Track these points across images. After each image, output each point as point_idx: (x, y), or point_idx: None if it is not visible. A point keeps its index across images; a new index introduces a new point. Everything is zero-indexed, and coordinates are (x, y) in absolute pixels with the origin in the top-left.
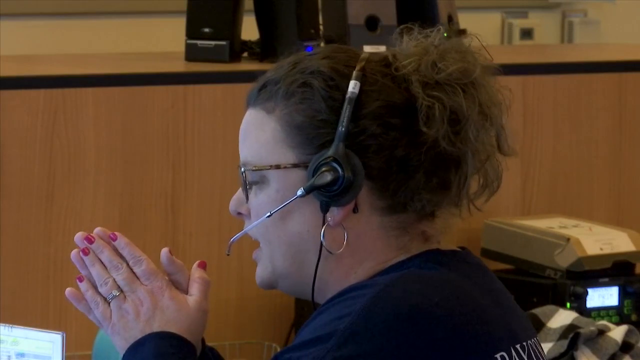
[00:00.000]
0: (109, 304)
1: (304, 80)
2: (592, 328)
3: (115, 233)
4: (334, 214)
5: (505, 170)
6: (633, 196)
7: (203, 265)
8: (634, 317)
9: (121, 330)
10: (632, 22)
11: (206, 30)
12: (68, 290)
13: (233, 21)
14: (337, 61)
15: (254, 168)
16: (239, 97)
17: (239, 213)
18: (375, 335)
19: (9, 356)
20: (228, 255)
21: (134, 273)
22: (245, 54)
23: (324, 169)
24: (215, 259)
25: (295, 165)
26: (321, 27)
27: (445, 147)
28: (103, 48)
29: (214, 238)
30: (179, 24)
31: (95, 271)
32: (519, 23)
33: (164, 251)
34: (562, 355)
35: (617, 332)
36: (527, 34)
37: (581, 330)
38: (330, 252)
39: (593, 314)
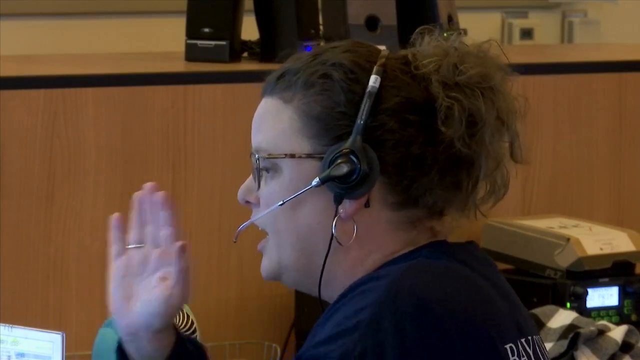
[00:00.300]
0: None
1: (325, 72)
2: (592, 328)
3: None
4: (346, 206)
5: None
6: (633, 196)
7: (184, 250)
8: (634, 317)
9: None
10: (632, 22)
11: (206, 30)
12: (116, 214)
13: (233, 21)
14: (358, 55)
15: (268, 155)
16: (239, 97)
17: (247, 202)
18: (399, 324)
19: (9, 356)
20: (235, 242)
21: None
22: (245, 54)
23: (340, 160)
24: (216, 259)
25: (309, 156)
26: (321, 27)
27: (460, 148)
28: (103, 48)
29: (214, 238)
30: (179, 24)
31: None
32: (519, 23)
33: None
34: (562, 355)
35: (617, 332)
36: (527, 34)
37: (581, 330)
38: (340, 244)
39: (593, 314)
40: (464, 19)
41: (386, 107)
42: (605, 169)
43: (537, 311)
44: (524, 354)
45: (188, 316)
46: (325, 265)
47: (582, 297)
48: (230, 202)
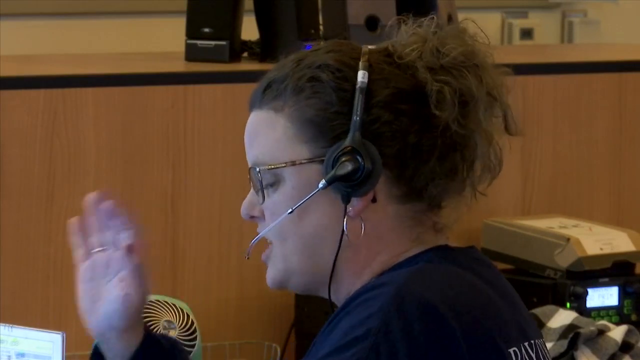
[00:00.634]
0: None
1: (312, 75)
2: (592, 328)
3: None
4: (354, 204)
5: (506, 170)
6: (633, 196)
7: (131, 250)
8: (634, 317)
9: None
10: (632, 22)
11: (206, 30)
12: (75, 218)
13: (233, 21)
14: (342, 54)
15: (268, 167)
16: (239, 97)
17: (252, 217)
18: (408, 329)
19: (9, 356)
20: (248, 258)
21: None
22: (245, 54)
23: (343, 159)
24: (216, 259)
25: (310, 160)
26: (321, 27)
27: (456, 130)
28: (103, 48)
29: (214, 238)
30: (179, 24)
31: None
32: (519, 23)
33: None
34: (562, 355)
35: (617, 332)
36: (527, 34)
37: (581, 330)
38: (349, 243)
39: (593, 314)
40: (464, 19)
41: (378, 100)
42: (605, 169)
43: (537, 311)
44: (527, 358)
45: (188, 316)
46: (335, 266)
47: (582, 297)
48: (230, 202)
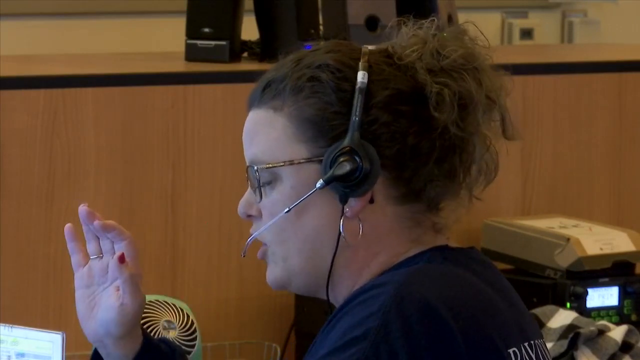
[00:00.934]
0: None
1: (312, 75)
2: (592, 328)
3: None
4: (352, 205)
5: (505, 171)
6: (633, 196)
7: (122, 260)
8: (634, 317)
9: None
10: (632, 22)
11: (206, 30)
12: (68, 225)
13: (233, 21)
14: (341, 54)
15: (267, 166)
16: (239, 97)
17: (249, 215)
18: (407, 328)
19: (9, 356)
20: (244, 256)
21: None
22: (245, 54)
23: (342, 159)
24: (216, 259)
25: (308, 160)
26: (321, 27)
27: (455, 133)
28: (103, 48)
29: (214, 238)
30: (179, 24)
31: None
32: (519, 23)
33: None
34: (562, 355)
35: (617, 332)
36: (527, 34)
37: (581, 330)
38: (347, 244)
39: (593, 314)
40: (464, 19)
41: (377, 101)
42: (605, 169)
43: (537, 311)
44: (527, 358)
45: (188, 316)
46: (333, 267)
47: (582, 297)
48: (230, 202)
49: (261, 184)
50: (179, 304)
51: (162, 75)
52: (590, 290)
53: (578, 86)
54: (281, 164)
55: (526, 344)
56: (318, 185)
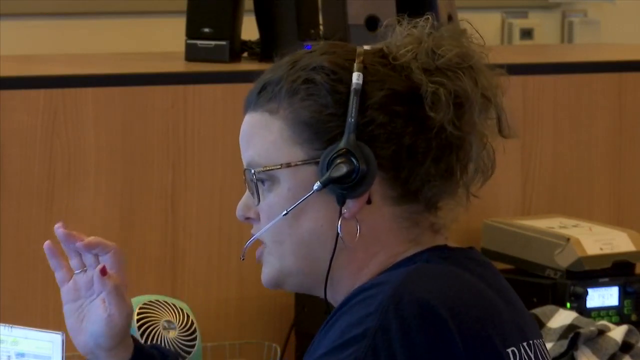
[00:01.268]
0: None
1: (307, 77)
2: (592, 328)
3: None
4: (349, 206)
5: (505, 171)
6: (633, 196)
7: (104, 273)
8: (634, 317)
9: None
10: (632, 22)
11: (206, 30)
12: (47, 242)
13: (233, 21)
14: (336, 55)
15: (264, 169)
16: (239, 97)
17: (247, 218)
18: (406, 328)
19: (9, 356)
20: (243, 260)
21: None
22: (245, 54)
23: (338, 161)
24: (216, 259)
25: (305, 162)
26: (321, 27)
27: (451, 132)
28: (103, 48)
29: (214, 238)
30: (179, 24)
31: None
32: (519, 23)
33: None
34: (562, 355)
35: (617, 332)
36: (527, 34)
37: (581, 330)
38: (345, 245)
39: (593, 314)
40: (464, 19)
41: (373, 102)
42: (605, 169)
43: (537, 311)
44: (526, 358)
45: (188, 316)
46: (331, 268)
47: (582, 297)
48: (230, 202)
49: (258, 187)
50: (179, 304)
51: (162, 75)
52: (590, 290)
53: (578, 86)
54: (278, 166)
55: (525, 344)
56: (315, 187)
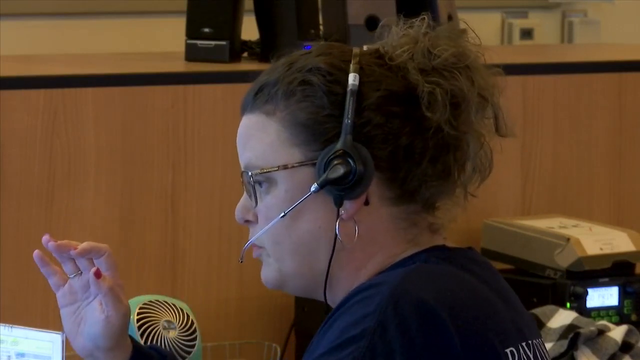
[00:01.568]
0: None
1: (303, 78)
2: (592, 328)
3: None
4: (347, 207)
5: (505, 171)
6: (633, 196)
7: (98, 275)
8: (634, 317)
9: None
10: (632, 22)
11: (206, 30)
12: (36, 252)
13: (233, 21)
14: (332, 57)
15: (261, 171)
16: (239, 97)
17: (247, 220)
18: (404, 328)
19: (9, 356)
20: (241, 262)
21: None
22: (245, 54)
23: (335, 162)
24: (216, 259)
25: (302, 163)
26: (321, 27)
27: (448, 132)
28: (103, 48)
29: (214, 238)
30: (179, 24)
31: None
32: (519, 23)
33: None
34: (562, 355)
35: (617, 332)
36: (527, 34)
37: (581, 330)
38: (343, 246)
39: (593, 314)
40: (464, 19)
41: (369, 103)
42: (605, 169)
43: (537, 311)
44: (525, 358)
45: (188, 316)
46: (330, 269)
47: (582, 297)
48: (230, 202)
49: (256, 189)
50: (179, 304)
51: (162, 75)
52: (590, 290)
53: (578, 86)
54: (275, 168)
55: (524, 344)
56: (312, 189)
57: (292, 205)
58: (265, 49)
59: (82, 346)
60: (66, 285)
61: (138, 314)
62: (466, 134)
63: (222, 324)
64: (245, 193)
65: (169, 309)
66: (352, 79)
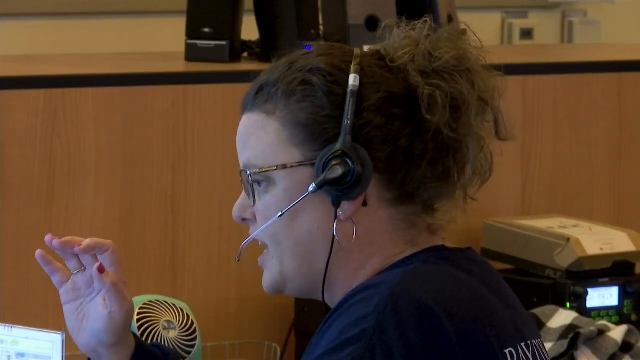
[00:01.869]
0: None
1: (304, 78)
2: (592, 328)
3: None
4: (345, 208)
5: (505, 171)
6: (633, 196)
7: (102, 271)
8: (634, 317)
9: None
10: (632, 22)
11: (206, 30)
12: (39, 251)
13: (233, 21)
14: (333, 57)
15: (260, 170)
16: (239, 97)
17: (244, 219)
18: (403, 328)
19: (9, 356)
20: (238, 261)
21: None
22: (245, 54)
23: (334, 162)
24: (215, 259)
25: (301, 163)
26: (321, 27)
27: (447, 134)
28: (103, 48)
29: (214, 238)
30: (179, 24)
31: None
32: (519, 23)
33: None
34: (562, 355)
35: (617, 332)
36: (527, 34)
37: (581, 330)
38: (341, 247)
39: (593, 314)
40: (464, 19)
41: (369, 104)
42: (605, 169)
43: (537, 311)
44: (524, 358)
45: (188, 316)
46: (328, 269)
47: (582, 297)
48: (230, 202)
49: (255, 188)
50: (179, 304)
51: (162, 75)
52: (590, 290)
53: (578, 86)
54: (274, 167)
55: (523, 344)
56: (310, 189)
57: (291, 204)
58: (265, 49)
59: (85, 342)
60: (69, 281)
61: (138, 314)
62: (466, 136)
63: (222, 324)
64: (243, 192)
65: (169, 309)
66: (353, 79)
